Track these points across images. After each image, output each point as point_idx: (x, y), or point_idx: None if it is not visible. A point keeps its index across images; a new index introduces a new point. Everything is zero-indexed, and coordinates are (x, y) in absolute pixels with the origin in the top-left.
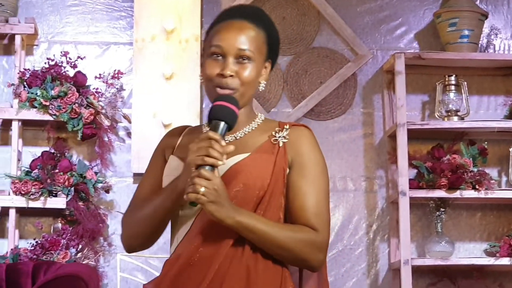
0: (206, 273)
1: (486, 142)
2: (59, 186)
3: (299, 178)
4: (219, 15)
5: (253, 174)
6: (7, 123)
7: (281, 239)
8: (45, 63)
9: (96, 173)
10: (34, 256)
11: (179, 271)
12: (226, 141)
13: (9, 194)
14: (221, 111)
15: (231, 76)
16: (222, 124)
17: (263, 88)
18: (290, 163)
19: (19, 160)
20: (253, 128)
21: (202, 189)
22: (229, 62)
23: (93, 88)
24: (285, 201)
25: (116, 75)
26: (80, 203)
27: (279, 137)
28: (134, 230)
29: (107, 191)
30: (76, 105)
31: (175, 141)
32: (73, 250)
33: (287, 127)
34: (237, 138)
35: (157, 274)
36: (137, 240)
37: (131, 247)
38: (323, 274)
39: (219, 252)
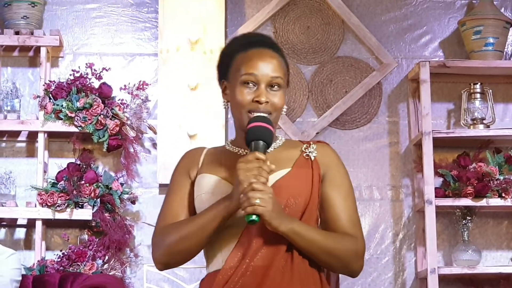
0: (261, 284)
1: None
2: (85, 197)
3: (333, 190)
4: (237, 42)
5: (297, 188)
6: (33, 135)
7: (329, 246)
8: (70, 74)
9: (122, 184)
10: (61, 268)
11: (234, 283)
12: None
13: (35, 206)
14: (259, 132)
15: (266, 102)
16: (261, 143)
17: (285, 113)
18: (322, 176)
19: (45, 171)
20: (279, 146)
21: (257, 201)
22: (263, 89)
23: (118, 99)
24: (319, 213)
25: (141, 86)
26: (106, 214)
27: (310, 152)
28: (176, 248)
29: (133, 202)
30: (102, 116)
31: (197, 160)
32: (99, 261)
33: (312, 144)
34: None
35: (184, 285)
36: (178, 257)
37: (168, 265)
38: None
39: (273, 264)
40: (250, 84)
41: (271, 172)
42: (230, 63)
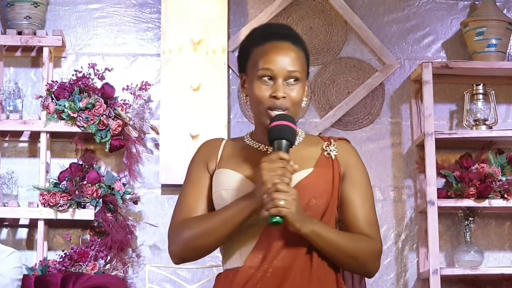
0: (282, 285)
1: None
2: (87, 197)
3: (352, 189)
4: (255, 35)
5: (319, 189)
6: (36, 135)
7: (348, 247)
8: (73, 75)
9: (124, 184)
10: (63, 268)
11: (254, 283)
12: None
13: (37, 206)
14: (282, 131)
15: (283, 97)
16: (284, 142)
17: (305, 105)
18: (342, 174)
19: (47, 172)
20: (299, 142)
21: (282, 202)
22: (280, 84)
23: (121, 100)
24: (337, 213)
25: (144, 87)
26: (109, 215)
27: (330, 150)
28: (194, 243)
29: (135, 202)
30: (104, 116)
31: (216, 153)
32: (101, 262)
33: (333, 141)
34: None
35: (186, 285)
36: (195, 252)
37: (185, 260)
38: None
39: (294, 265)
40: (267, 79)
41: (294, 172)
42: (248, 56)
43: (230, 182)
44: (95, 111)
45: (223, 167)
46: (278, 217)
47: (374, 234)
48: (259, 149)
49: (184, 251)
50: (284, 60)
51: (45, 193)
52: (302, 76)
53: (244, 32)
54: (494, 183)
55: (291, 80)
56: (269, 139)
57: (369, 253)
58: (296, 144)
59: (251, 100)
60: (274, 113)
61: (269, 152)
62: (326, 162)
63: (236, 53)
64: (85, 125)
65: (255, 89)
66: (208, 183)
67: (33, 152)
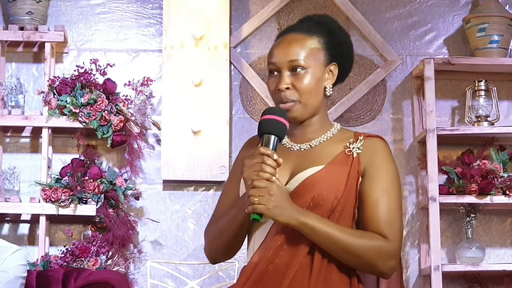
0: (281, 282)
1: None
2: (89, 193)
3: (370, 187)
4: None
5: (327, 185)
6: (37, 130)
7: (348, 243)
8: (75, 70)
9: (126, 180)
10: (65, 263)
11: (255, 280)
12: (302, 150)
13: (39, 202)
14: (269, 125)
15: (287, 88)
16: (272, 137)
17: (331, 92)
18: (362, 172)
19: (49, 167)
20: (329, 138)
21: (256, 199)
22: (284, 75)
23: (123, 95)
24: (358, 212)
25: (146, 82)
26: (110, 210)
27: (353, 148)
28: (213, 244)
29: (137, 198)
30: (106, 112)
31: None
32: (103, 257)
33: (361, 138)
34: (312, 146)
35: (188, 281)
36: (218, 252)
37: (215, 259)
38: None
39: (293, 263)
40: (275, 73)
41: (279, 165)
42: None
43: None
44: (97, 106)
45: None
46: (255, 215)
47: (390, 233)
48: (287, 147)
49: (210, 252)
50: (285, 51)
51: (46, 188)
52: (311, 63)
53: (246, 28)
54: (495, 179)
55: (297, 69)
56: (258, 133)
57: (376, 251)
58: (326, 138)
59: None
60: (282, 106)
61: (292, 148)
62: (344, 159)
63: (238, 49)
64: (87, 121)
65: (267, 85)
66: (239, 185)
67: (35, 148)
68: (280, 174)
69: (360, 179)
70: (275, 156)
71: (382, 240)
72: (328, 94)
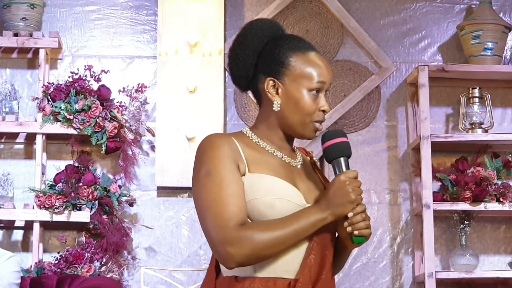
0: None
1: (510, 155)
2: (83, 199)
3: None
4: (288, 39)
5: None
6: (31, 137)
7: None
8: (69, 77)
9: (120, 186)
10: (58, 270)
11: None
12: (298, 165)
13: (33, 208)
14: (344, 148)
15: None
16: (345, 159)
17: None
18: None
19: (43, 173)
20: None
21: (368, 222)
22: (324, 97)
23: (117, 102)
24: None
25: (140, 89)
26: (104, 217)
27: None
28: (267, 251)
29: (131, 205)
30: (100, 118)
31: (239, 153)
32: (97, 264)
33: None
34: (302, 162)
35: (182, 287)
36: (261, 259)
37: (244, 264)
38: None
39: (321, 278)
40: (315, 92)
41: None
42: (285, 62)
43: (281, 190)
44: (91, 113)
45: (259, 172)
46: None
47: None
48: (274, 154)
49: (255, 256)
50: (330, 75)
51: (40, 195)
52: None
53: None
54: (489, 186)
55: (327, 92)
56: (328, 157)
57: None
58: (299, 153)
59: (289, 109)
60: (319, 126)
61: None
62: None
63: None
64: (81, 127)
65: (304, 101)
66: (242, 185)
67: (29, 154)
68: (302, 189)
69: None
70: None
71: None
72: None
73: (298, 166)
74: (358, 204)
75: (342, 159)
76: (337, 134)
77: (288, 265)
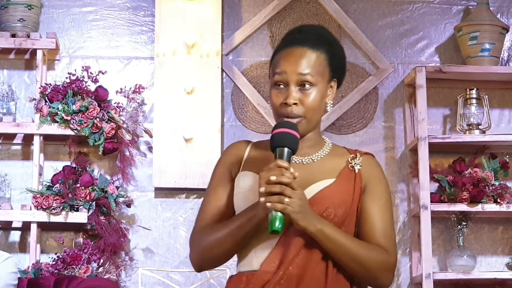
0: None
1: (507, 156)
2: (80, 200)
3: (372, 203)
4: (282, 40)
5: (338, 200)
6: (29, 137)
7: (358, 253)
8: (67, 77)
9: (117, 187)
10: (56, 271)
11: None
12: (305, 163)
13: (30, 209)
14: (283, 138)
15: (295, 104)
16: (286, 150)
17: (331, 108)
18: (363, 188)
19: (40, 174)
20: (327, 153)
21: (287, 199)
22: (292, 90)
23: (115, 103)
24: (355, 228)
25: (137, 90)
26: (102, 218)
27: (355, 164)
28: (209, 253)
29: (129, 206)
30: (98, 119)
31: (241, 157)
32: (94, 265)
33: (359, 155)
34: (315, 161)
35: None
36: (212, 261)
37: (203, 268)
38: None
39: (306, 273)
40: (281, 85)
41: (294, 179)
42: (271, 61)
43: (249, 184)
44: (89, 114)
45: (245, 170)
46: (277, 225)
47: (389, 247)
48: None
49: (201, 259)
50: (296, 65)
51: (38, 195)
52: (319, 80)
53: (238, 35)
54: (487, 187)
55: (305, 85)
56: (271, 147)
57: (381, 264)
58: (323, 155)
59: (272, 109)
60: (284, 120)
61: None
62: (349, 174)
63: (230, 57)
64: (79, 128)
65: (271, 96)
66: (230, 188)
67: (26, 155)
68: None
69: (361, 195)
70: (292, 169)
71: (385, 253)
72: (329, 110)
73: (304, 163)
74: (279, 183)
75: (278, 149)
76: (289, 126)
77: (261, 259)
